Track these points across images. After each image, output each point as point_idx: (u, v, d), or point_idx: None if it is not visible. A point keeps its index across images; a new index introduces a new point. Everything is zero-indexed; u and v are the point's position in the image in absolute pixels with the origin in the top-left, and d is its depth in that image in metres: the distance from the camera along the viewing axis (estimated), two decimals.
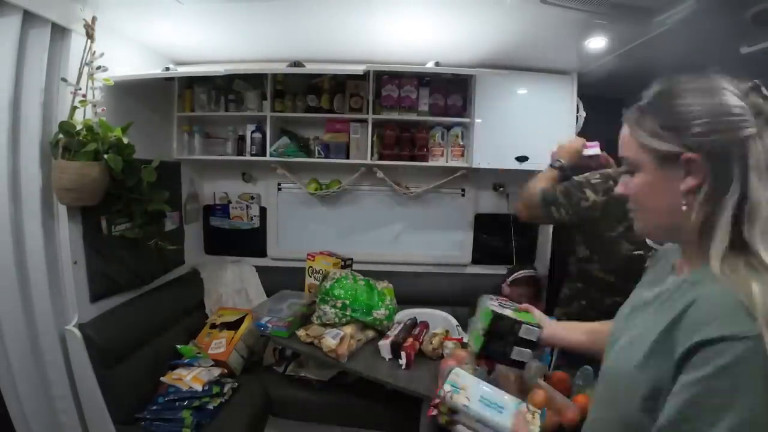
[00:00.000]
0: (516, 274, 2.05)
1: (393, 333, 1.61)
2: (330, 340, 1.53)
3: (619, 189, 0.62)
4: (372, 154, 2.06)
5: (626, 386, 0.56)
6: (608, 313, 1.36)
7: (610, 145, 1.59)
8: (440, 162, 2.12)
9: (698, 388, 0.46)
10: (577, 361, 1.35)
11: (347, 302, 1.65)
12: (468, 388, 0.91)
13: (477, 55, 1.86)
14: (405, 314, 1.84)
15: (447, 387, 0.90)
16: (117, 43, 1.59)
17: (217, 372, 1.69)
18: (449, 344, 1.53)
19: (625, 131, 0.61)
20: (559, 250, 2.27)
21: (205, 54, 1.93)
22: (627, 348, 0.60)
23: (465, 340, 1.60)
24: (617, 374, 0.61)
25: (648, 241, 1.30)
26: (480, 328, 1.00)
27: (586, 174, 1.44)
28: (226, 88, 2.09)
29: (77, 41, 1.38)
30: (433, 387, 1.32)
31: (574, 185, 1.43)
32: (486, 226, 2.37)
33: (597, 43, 1.62)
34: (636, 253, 1.33)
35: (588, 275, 1.44)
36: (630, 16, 1.35)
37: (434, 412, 0.90)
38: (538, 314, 1.06)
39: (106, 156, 1.35)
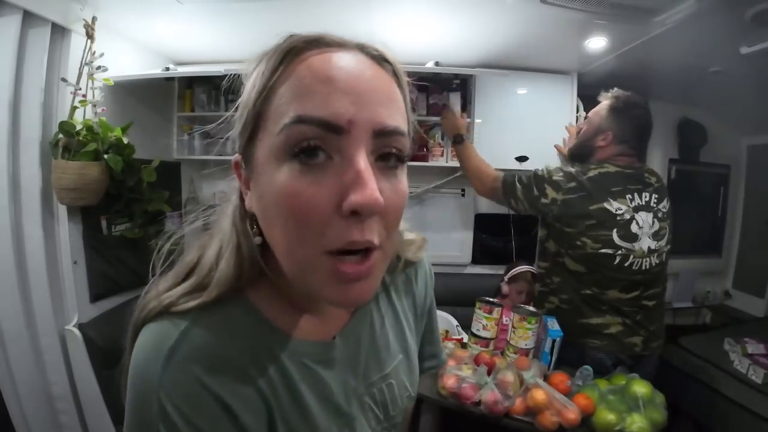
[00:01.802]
0: (513, 271, 2.04)
1: None
2: None
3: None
4: None
5: None
6: (582, 308, 1.39)
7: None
8: (440, 162, 2.12)
9: None
10: (577, 362, 1.36)
11: None
12: None
13: (477, 55, 1.86)
14: None
15: None
16: (117, 43, 1.59)
17: None
18: (449, 344, 1.52)
19: None
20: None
21: (205, 54, 1.93)
22: None
23: (465, 340, 1.60)
24: None
25: (616, 239, 1.31)
26: None
27: (550, 168, 1.44)
28: (226, 88, 2.08)
29: (77, 41, 1.38)
30: (433, 387, 1.32)
31: (536, 179, 1.43)
32: (486, 226, 2.37)
33: (597, 43, 1.62)
34: (603, 251, 1.32)
35: (561, 268, 1.44)
36: (630, 16, 1.35)
37: None
38: None
39: (106, 156, 1.35)
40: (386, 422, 0.51)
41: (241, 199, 0.42)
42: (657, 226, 1.35)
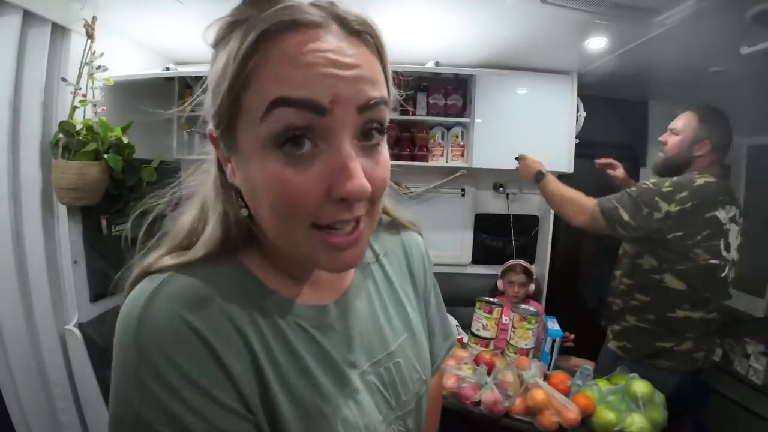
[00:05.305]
0: (504, 265, 2.08)
1: None
2: None
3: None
4: None
5: None
6: (663, 332, 1.35)
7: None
8: (440, 162, 2.12)
9: None
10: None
11: None
12: None
13: (477, 55, 1.86)
14: None
15: None
16: (117, 43, 1.58)
17: None
18: None
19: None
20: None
21: (205, 54, 1.91)
22: None
23: (465, 340, 1.60)
24: None
25: (722, 250, 1.26)
26: None
27: (654, 181, 1.34)
28: None
29: (77, 41, 1.37)
30: None
31: (641, 195, 1.31)
32: (486, 226, 2.37)
33: (597, 43, 1.62)
34: (711, 262, 1.27)
35: (655, 286, 1.35)
36: (630, 16, 1.34)
37: None
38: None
39: (106, 156, 1.35)
40: (399, 409, 0.46)
41: (220, 170, 0.41)
42: (740, 239, 1.33)
